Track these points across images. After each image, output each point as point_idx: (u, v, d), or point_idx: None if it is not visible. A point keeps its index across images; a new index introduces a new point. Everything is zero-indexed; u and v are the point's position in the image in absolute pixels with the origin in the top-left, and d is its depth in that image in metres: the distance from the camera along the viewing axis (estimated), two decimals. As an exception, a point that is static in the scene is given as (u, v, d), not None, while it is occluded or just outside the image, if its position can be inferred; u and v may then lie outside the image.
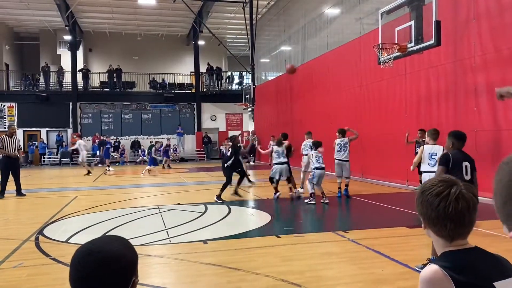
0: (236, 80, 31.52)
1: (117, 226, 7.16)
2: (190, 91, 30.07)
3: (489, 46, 8.74)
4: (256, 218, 8.00)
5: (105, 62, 29.40)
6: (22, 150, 15.60)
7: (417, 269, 4.43)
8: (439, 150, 6.11)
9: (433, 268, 1.31)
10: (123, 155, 26.74)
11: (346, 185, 10.00)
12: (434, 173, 5.65)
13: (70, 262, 1.18)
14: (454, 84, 9.73)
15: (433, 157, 6.13)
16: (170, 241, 6.13)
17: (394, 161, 11.71)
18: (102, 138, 26.31)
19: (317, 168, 9.27)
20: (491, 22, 8.70)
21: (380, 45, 9.70)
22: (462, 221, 1.32)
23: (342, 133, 10.10)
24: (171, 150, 22.38)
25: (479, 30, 8.96)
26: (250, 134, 26.21)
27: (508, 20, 8.32)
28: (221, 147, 29.16)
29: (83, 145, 19.11)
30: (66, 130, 27.53)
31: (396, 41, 9.33)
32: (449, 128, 9.85)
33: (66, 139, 27.06)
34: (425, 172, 6.21)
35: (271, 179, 10.18)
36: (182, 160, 27.72)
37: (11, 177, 11.10)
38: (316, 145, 9.72)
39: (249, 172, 13.17)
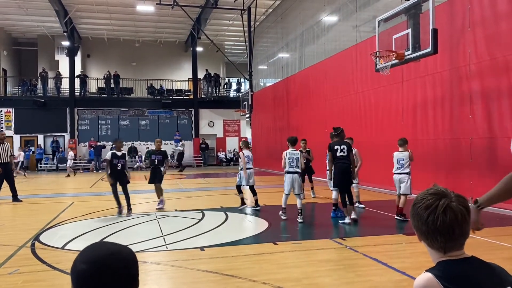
0: (234, 86, 31.60)
1: (114, 233, 7.14)
2: (188, 97, 30.12)
3: (484, 54, 8.81)
4: (253, 225, 7.99)
5: (103, 68, 29.43)
6: (14, 156, 15.58)
7: None
8: (405, 155, 7.84)
9: (427, 276, 1.31)
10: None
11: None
12: (401, 174, 7.72)
13: (85, 271, 1.13)
14: (450, 92, 9.79)
15: (400, 162, 7.88)
16: (167, 247, 6.11)
17: (390, 168, 11.71)
18: (97, 143, 26.28)
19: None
20: (486, 30, 8.77)
21: (378, 52, 9.76)
22: (451, 234, 1.31)
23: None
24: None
25: (474, 38, 9.04)
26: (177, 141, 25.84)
27: (502, 28, 8.40)
28: (219, 153, 29.35)
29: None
30: (63, 135, 27.49)
31: (393, 49, 9.39)
32: (445, 135, 9.96)
33: (63, 144, 27.00)
34: (395, 173, 7.96)
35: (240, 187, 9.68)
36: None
37: (5, 184, 11.06)
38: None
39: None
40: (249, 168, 9.47)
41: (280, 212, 8.21)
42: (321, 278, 4.63)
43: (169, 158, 10.69)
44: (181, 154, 24.37)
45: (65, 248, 6.18)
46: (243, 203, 9.77)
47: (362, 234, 6.80)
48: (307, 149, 11.05)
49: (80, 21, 26.74)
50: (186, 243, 6.35)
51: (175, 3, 20.86)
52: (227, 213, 9.01)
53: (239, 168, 9.64)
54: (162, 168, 9.87)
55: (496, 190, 2.21)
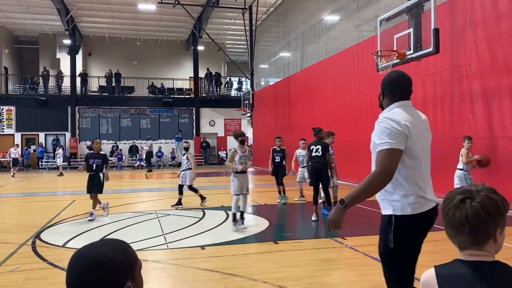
0: (235, 85, 31.60)
1: (114, 231, 7.15)
2: (189, 96, 30.11)
3: (485, 54, 8.80)
4: (254, 224, 7.99)
5: (104, 67, 29.43)
6: None
7: None
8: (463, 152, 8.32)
9: (429, 272, 1.35)
10: (121, 160, 26.71)
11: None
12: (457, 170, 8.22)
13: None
14: (450, 91, 9.78)
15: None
16: (167, 246, 6.12)
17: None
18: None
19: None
20: (487, 30, 8.76)
21: (379, 52, 9.75)
22: (460, 229, 1.33)
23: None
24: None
25: (475, 38, 9.03)
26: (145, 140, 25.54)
27: (503, 28, 8.39)
28: (220, 152, 29.36)
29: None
30: (64, 134, 27.52)
31: (395, 48, 9.38)
32: (445, 135, 9.94)
33: (64, 143, 27.02)
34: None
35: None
36: (180, 165, 27.69)
37: (4, 182, 11.07)
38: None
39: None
40: (190, 169, 9.95)
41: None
42: (321, 277, 4.63)
43: (109, 161, 9.07)
44: (149, 154, 24.04)
45: (66, 246, 6.19)
46: (179, 203, 9.81)
47: (363, 234, 6.80)
48: (282, 147, 10.60)
49: (82, 19, 26.75)
50: (187, 241, 6.36)
51: (176, 2, 20.88)
52: (228, 212, 9.01)
53: (186, 169, 9.98)
54: (101, 174, 8.47)
55: (361, 188, 2.39)
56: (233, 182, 7.33)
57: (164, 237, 6.68)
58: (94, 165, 8.41)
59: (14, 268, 5.03)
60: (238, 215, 7.34)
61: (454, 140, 9.64)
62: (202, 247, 5.98)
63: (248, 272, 4.73)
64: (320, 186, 8.08)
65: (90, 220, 8.16)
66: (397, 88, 2.62)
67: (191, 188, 10.06)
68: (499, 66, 8.49)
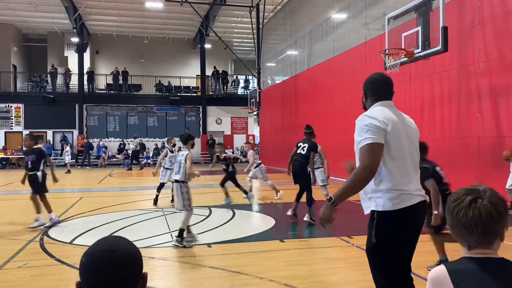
0: (242, 84, 31.61)
1: (121, 228, 7.19)
2: (196, 94, 30.18)
3: (493, 52, 8.72)
4: (260, 222, 8.01)
5: (112, 65, 29.59)
6: None
7: (428, 269, 4.53)
8: None
9: (440, 268, 1.36)
10: (128, 158, 26.81)
11: None
12: None
13: (84, 264, 1.18)
14: (458, 90, 9.71)
15: None
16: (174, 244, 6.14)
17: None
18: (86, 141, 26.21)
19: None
20: (495, 27, 8.69)
21: (387, 50, 9.70)
22: (473, 229, 1.33)
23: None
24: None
25: (483, 36, 8.95)
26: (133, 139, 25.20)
27: (513, 26, 8.31)
28: (226, 150, 29.38)
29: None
30: (72, 131, 27.71)
31: (402, 47, 9.33)
32: (452, 134, 9.87)
33: (72, 140, 27.19)
34: None
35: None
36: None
37: (12, 179, 11.18)
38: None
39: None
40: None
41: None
42: (327, 276, 4.63)
43: (48, 156, 7.78)
44: (135, 152, 23.55)
45: (73, 243, 6.24)
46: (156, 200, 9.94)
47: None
48: (224, 155, 10.26)
49: (89, 17, 26.90)
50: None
51: (183, 0, 20.90)
52: (234, 210, 9.04)
53: (168, 166, 9.91)
54: (39, 173, 7.38)
55: (346, 185, 2.40)
56: (188, 194, 6.11)
57: (171, 234, 6.71)
58: (29, 162, 7.35)
59: (22, 264, 5.08)
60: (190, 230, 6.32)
61: (462, 139, 9.58)
62: (208, 244, 6.00)
63: (254, 270, 4.73)
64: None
65: (33, 227, 7.14)
66: (378, 89, 2.68)
67: (162, 185, 10.11)
68: (507, 64, 8.41)
